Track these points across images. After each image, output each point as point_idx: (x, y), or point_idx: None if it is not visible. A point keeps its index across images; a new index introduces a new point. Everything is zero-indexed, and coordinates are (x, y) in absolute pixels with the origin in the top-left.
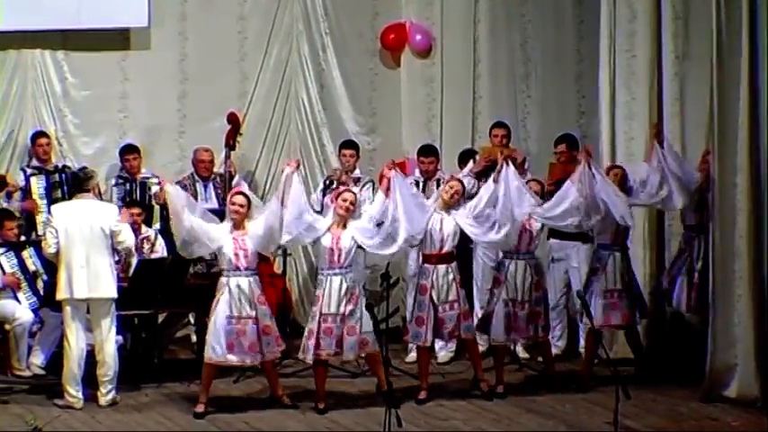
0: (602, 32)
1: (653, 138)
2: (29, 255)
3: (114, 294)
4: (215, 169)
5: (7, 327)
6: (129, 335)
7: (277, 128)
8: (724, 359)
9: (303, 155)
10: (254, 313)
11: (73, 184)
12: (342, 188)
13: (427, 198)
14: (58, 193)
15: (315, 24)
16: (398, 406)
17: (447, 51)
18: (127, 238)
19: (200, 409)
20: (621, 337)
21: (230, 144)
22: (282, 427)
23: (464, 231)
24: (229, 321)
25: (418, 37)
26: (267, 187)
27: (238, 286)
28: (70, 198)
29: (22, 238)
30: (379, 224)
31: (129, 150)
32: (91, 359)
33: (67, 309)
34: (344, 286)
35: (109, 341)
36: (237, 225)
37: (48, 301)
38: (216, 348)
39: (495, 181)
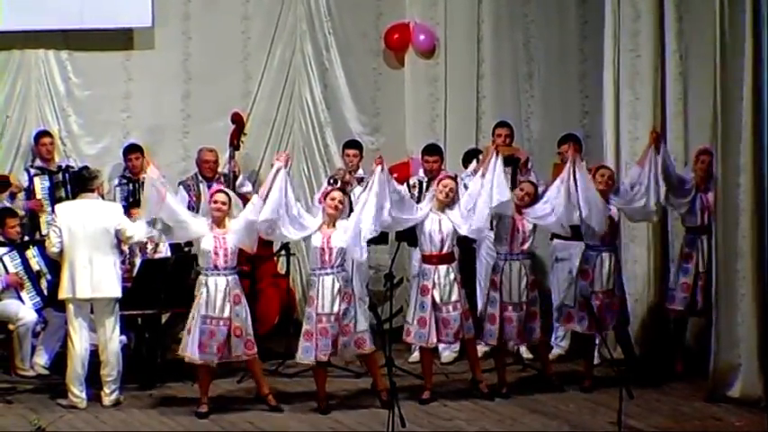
0: (606, 32)
1: (651, 143)
2: (32, 254)
3: (118, 294)
4: (219, 169)
5: (11, 327)
6: (132, 335)
7: (281, 128)
8: (727, 359)
9: (307, 154)
10: (228, 315)
11: (77, 183)
12: (329, 188)
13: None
14: (62, 193)
15: (318, 24)
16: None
17: (451, 51)
18: (135, 233)
19: (203, 409)
20: None
21: (234, 144)
22: (286, 427)
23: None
24: (204, 321)
25: (422, 37)
26: None
27: (216, 285)
28: (74, 197)
29: (26, 237)
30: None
31: (132, 150)
32: (94, 359)
33: (71, 308)
34: (337, 286)
35: (112, 341)
36: (219, 223)
37: (51, 301)
38: (189, 346)
39: (483, 176)
